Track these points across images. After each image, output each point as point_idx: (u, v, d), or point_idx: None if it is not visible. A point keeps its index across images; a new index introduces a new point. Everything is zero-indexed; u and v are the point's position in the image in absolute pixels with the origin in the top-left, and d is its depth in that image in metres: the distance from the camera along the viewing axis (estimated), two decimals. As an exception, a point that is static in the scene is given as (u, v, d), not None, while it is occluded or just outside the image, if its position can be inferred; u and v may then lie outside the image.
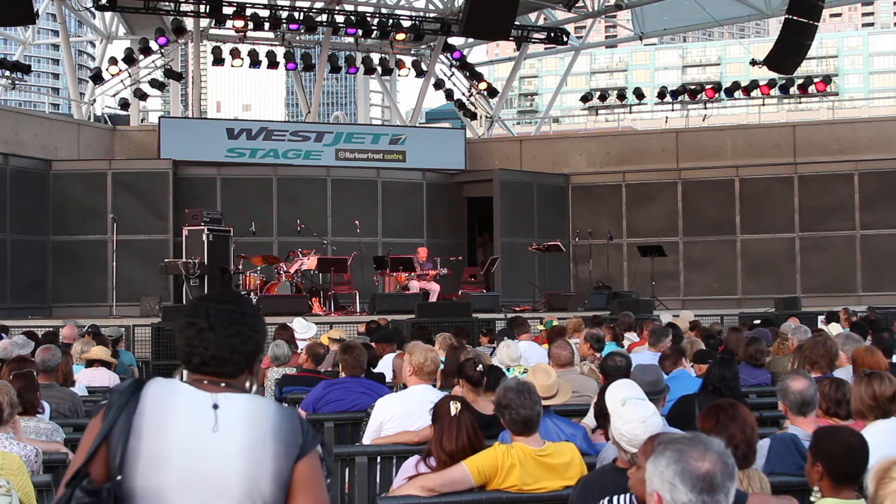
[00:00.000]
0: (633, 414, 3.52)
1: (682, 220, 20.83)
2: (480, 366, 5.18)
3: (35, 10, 17.33)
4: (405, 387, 5.44)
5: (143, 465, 2.07)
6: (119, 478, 2.06)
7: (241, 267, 16.54)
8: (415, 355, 5.29)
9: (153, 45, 21.28)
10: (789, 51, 20.14)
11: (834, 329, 9.88)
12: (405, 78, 24.43)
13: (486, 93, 24.57)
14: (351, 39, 23.49)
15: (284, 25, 21.40)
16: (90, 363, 8.30)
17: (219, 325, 2.19)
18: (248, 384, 2.24)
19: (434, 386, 5.48)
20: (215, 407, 2.12)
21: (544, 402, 4.26)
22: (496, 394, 4.11)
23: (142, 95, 22.52)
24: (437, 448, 3.94)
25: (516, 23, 21.18)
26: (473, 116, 24.74)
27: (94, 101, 23.10)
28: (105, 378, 8.15)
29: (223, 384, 2.18)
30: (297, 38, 22.90)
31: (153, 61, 21.99)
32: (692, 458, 2.12)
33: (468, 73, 24.14)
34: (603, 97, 24.43)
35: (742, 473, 3.43)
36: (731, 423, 3.44)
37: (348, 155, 21.08)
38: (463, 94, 24.16)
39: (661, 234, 20.60)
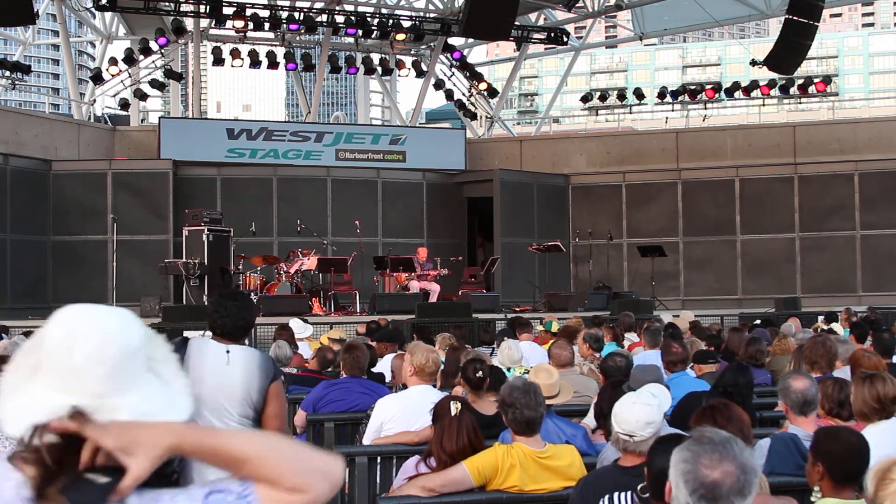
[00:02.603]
0: (637, 413, 3.54)
1: (683, 220, 20.82)
2: (481, 371, 5.14)
3: (35, 10, 17.33)
4: (405, 387, 5.43)
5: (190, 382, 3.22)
6: None
7: (241, 267, 16.52)
8: (416, 356, 5.28)
9: (153, 45, 21.27)
10: (789, 51, 20.13)
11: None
12: (405, 78, 24.41)
13: (486, 93, 24.55)
14: (351, 39, 23.47)
15: (284, 25, 21.38)
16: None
17: (233, 315, 3.93)
18: (244, 341, 4.08)
19: (434, 386, 5.48)
20: (227, 352, 3.84)
21: (546, 402, 4.25)
22: (501, 391, 4.10)
23: (142, 96, 22.51)
24: (438, 448, 3.94)
25: (516, 23, 21.16)
26: (473, 116, 24.72)
27: (94, 101, 23.08)
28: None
29: (230, 341, 3.91)
30: (297, 38, 22.89)
31: (153, 61, 21.97)
32: (704, 463, 2.06)
33: (468, 74, 24.12)
34: (603, 97, 24.42)
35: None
36: (728, 424, 3.42)
37: (348, 155, 21.07)
38: (463, 94, 24.14)
39: (661, 234, 20.58)
